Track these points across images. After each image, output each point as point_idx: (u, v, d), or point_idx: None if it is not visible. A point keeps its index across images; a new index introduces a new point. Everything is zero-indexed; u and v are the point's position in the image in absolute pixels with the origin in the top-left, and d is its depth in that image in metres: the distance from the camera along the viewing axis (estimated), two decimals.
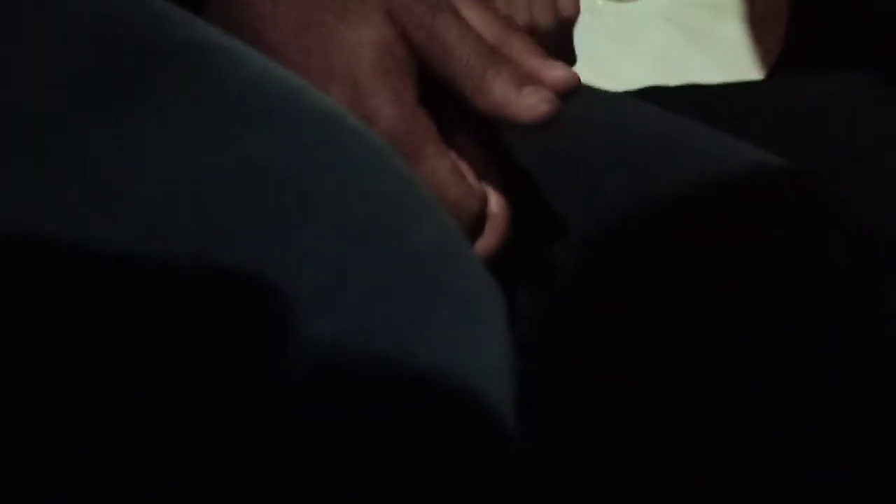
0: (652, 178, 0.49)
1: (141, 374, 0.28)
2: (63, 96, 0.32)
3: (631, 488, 0.44)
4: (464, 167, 0.44)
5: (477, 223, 0.43)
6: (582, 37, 0.67)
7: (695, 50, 0.75)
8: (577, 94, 0.43)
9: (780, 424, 0.43)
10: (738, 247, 0.47)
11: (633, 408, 0.45)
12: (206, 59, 0.34)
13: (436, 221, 0.35)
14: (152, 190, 0.31)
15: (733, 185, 0.49)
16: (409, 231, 0.33)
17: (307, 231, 0.31)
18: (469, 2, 0.44)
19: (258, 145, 0.33)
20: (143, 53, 0.34)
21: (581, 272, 0.48)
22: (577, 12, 0.63)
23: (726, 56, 0.76)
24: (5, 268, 0.29)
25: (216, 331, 0.29)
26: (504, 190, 0.45)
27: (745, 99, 0.68)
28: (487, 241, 0.44)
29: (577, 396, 0.46)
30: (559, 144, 0.51)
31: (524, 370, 0.34)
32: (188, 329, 0.29)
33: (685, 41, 0.76)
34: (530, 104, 0.42)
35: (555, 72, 0.43)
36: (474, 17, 0.44)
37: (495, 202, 0.44)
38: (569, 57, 0.65)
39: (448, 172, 0.42)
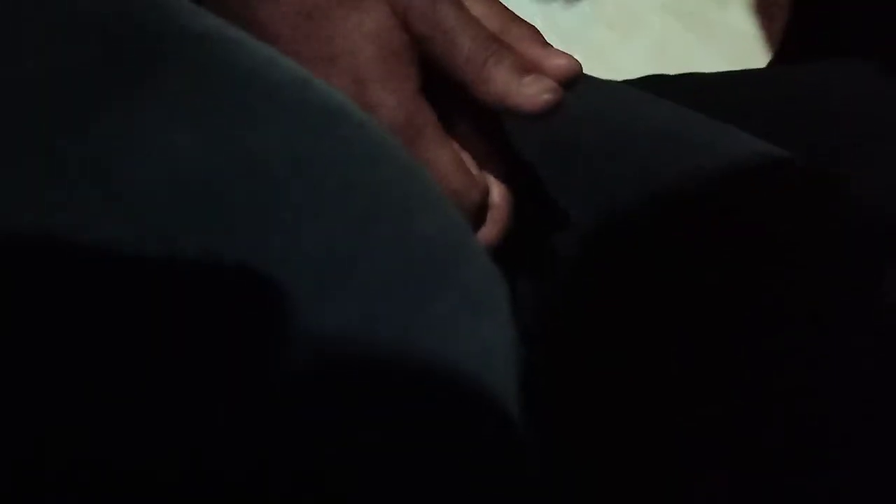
0: (653, 170, 0.49)
1: (144, 368, 0.28)
2: (67, 91, 0.32)
3: (630, 479, 0.44)
4: (465, 157, 0.44)
5: (479, 213, 0.43)
6: (581, 26, 0.67)
7: (694, 38, 0.75)
8: (578, 83, 0.43)
9: (781, 419, 0.43)
10: (739, 240, 0.47)
11: (632, 400, 0.45)
12: (210, 51, 0.34)
13: (439, 211, 0.35)
14: (156, 184, 0.31)
15: (734, 177, 0.49)
16: (413, 221, 0.33)
17: (310, 222, 0.31)
18: None
19: (261, 137, 0.33)
20: (147, 46, 0.34)
21: (582, 263, 0.48)
22: None
23: (727, 44, 0.76)
24: (10, 263, 0.29)
25: (220, 323, 0.29)
26: (505, 180, 0.45)
27: (746, 87, 0.68)
28: (489, 230, 0.44)
29: (578, 387, 0.46)
30: (560, 135, 0.50)
31: (526, 360, 0.34)
32: (192, 322, 0.29)
33: (685, 29, 0.76)
34: (532, 93, 0.42)
35: (556, 60, 0.43)
36: (475, 5, 0.44)
37: (497, 192, 0.44)
38: None
39: (449, 162, 0.42)
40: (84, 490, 0.27)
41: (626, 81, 0.67)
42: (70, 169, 0.30)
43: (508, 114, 0.43)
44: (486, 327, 0.33)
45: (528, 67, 0.42)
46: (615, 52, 0.74)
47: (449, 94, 0.44)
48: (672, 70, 0.70)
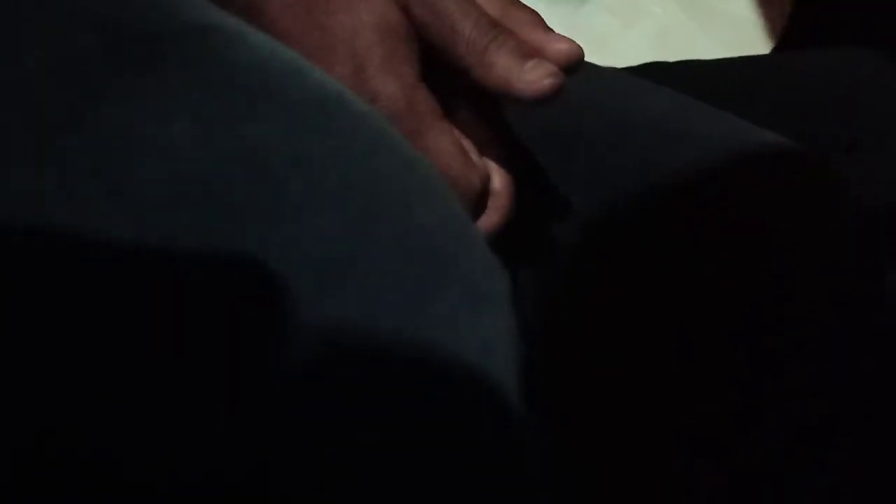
0: (653, 161, 0.49)
1: (143, 366, 0.28)
2: (66, 85, 0.32)
3: (629, 474, 0.44)
4: (466, 144, 0.44)
5: (480, 200, 0.43)
6: (583, 13, 0.67)
7: (697, 26, 0.75)
8: (580, 68, 0.43)
9: (780, 417, 0.43)
10: (739, 235, 0.47)
11: (632, 395, 0.45)
12: (210, 44, 0.34)
13: (440, 201, 0.35)
14: (156, 179, 0.30)
15: (735, 168, 0.49)
16: (413, 214, 0.33)
17: (311, 215, 0.31)
18: None
19: (262, 130, 0.32)
20: (146, 38, 0.34)
21: (582, 252, 0.48)
22: None
23: (729, 32, 0.75)
24: (10, 258, 0.28)
25: (220, 319, 0.29)
26: (507, 167, 0.45)
27: (747, 74, 0.68)
28: (490, 218, 0.44)
29: (577, 381, 0.46)
30: (561, 123, 0.50)
31: (527, 352, 0.34)
32: (192, 319, 0.29)
33: (687, 17, 0.75)
34: (533, 78, 0.41)
35: (558, 45, 0.42)
36: None
37: (498, 179, 0.44)
38: None
39: (450, 149, 0.42)
40: (83, 490, 0.27)
41: (627, 69, 0.67)
42: (70, 164, 0.30)
43: (510, 99, 0.42)
44: (488, 321, 0.33)
45: (529, 52, 0.42)
46: (617, 40, 0.74)
47: (449, 81, 0.43)
48: (674, 57, 0.70)
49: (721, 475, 0.42)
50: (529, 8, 0.45)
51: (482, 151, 0.44)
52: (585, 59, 0.44)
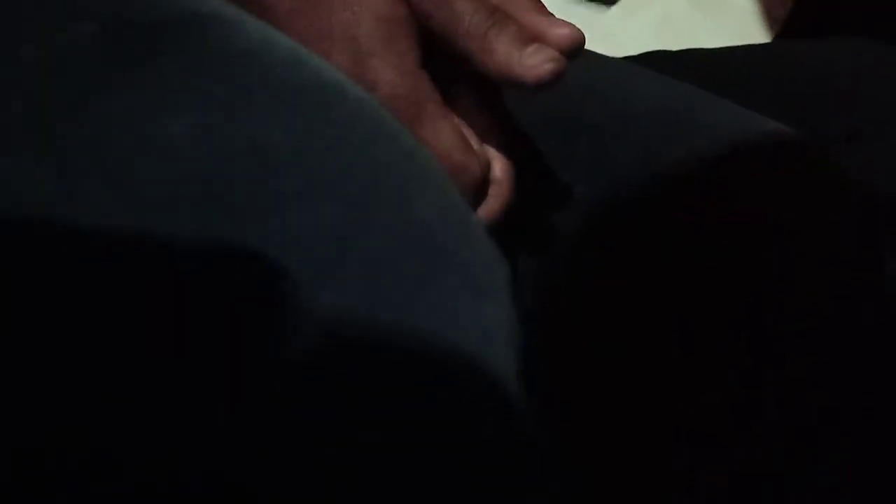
0: (656, 149, 0.49)
1: (142, 359, 0.28)
2: (65, 75, 0.32)
3: (629, 466, 0.44)
4: (467, 132, 0.43)
5: (480, 188, 0.43)
6: (586, 2, 0.66)
7: (699, 15, 0.75)
8: (581, 53, 0.43)
9: (781, 409, 0.43)
10: (740, 224, 0.46)
11: (632, 385, 0.45)
12: (208, 31, 0.34)
13: (439, 190, 0.35)
14: (156, 168, 0.30)
15: (738, 157, 0.48)
16: (412, 203, 0.33)
17: (309, 204, 0.31)
18: None
19: (260, 119, 0.32)
20: (144, 28, 0.33)
21: (583, 241, 0.48)
22: None
23: (732, 21, 0.75)
24: (9, 249, 0.28)
25: (219, 312, 0.29)
26: (507, 154, 0.44)
27: (748, 62, 0.68)
28: (491, 206, 0.43)
29: (577, 370, 0.46)
30: (562, 111, 0.50)
31: (527, 340, 0.34)
32: (191, 312, 0.29)
33: (689, 6, 0.75)
34: (534, 63, 0.41)
35: (559, 30, 0.42)
36: None
37: (499, 167, 0.44)
38: None
39: (451, 137, 0.42)
40: (82, 490, 0.27)
41: (628, 58, 0.66)
42: (69, 156, 0.30)
43: (511, 85, 0.42)
44: (487, 309, 0.33)
45: (530, 38, 0.42)
46: (620, 29, 0.73)
47: (450, 69, 0.43)
48: (675, 46, 0.70)
49: (721, 474, 0.42)
50: None
51: (483, 139, 0.44)
52: (588, 48, 0.44)
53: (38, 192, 0.29)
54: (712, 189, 0.47)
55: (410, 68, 0.42)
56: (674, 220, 0.47)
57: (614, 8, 0.73)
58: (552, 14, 0.43)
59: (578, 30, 0.42)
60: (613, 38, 0.72)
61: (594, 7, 0.73)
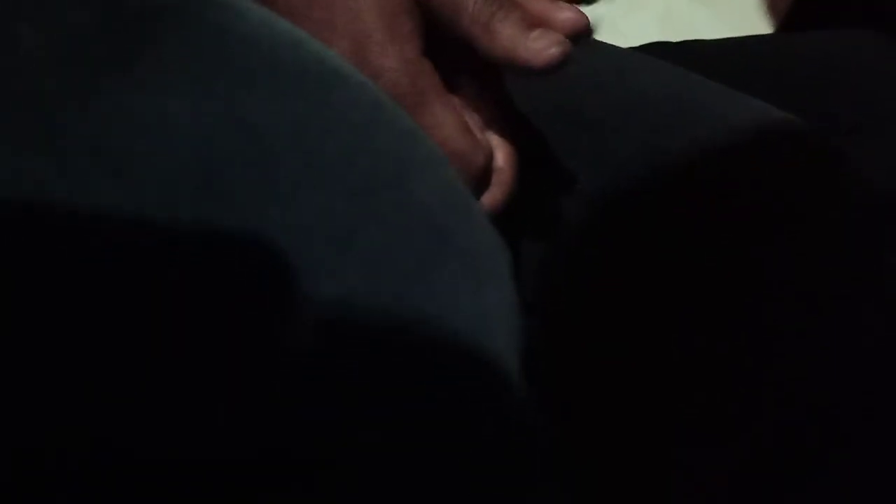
0: (659, 139, 0.49)
1: (142, 351, 0.28)
2: (64, 62, 0.32)
3: (627, 461, 0.44)
4: (470, 120, 0.43)
5: (483, 176, 0.43)
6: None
7: (700, 7, 0.75)
8: (586, 37, 0.43)
9: (781, 407, 0.42)
10: (743, 215, 0.46)
11: (631, 379, 0.45)
12: (208, 16, 0.34)
13: (440, 176, 0.35)
14: (156, 154, 0.30)
15: (742, 149, 0.48)
16: (413, 188, 0.33)
17: (310, 190, 0.31)
18: None
19: (259, 106, 0.32)
20: (143, 13, 0.33)
21: (586, 233, 0.48)
22: None
23: (733, 14, 0.75)
24: (12, 237, 0.28)
25: (220, 297, 0.29)
26: (510, 144, 0.44)
27: (749, 54, 0.67)
28: (493, 194, 0.43)
29: (576, 363, 0.46)
30: (565, 100, 0.50)
31: (528, 328, 0.34)
32: (193, 304, 0.28)
33: (691, 1, 0.75)
34: (539, 47, 0.41)
35: (564, 14, 0.42)
36: None
37: (501, 155, 0.44)
38: None
39: (454, 125, 0.42)
40: (81, 490, 0.27)
41: (630, 48, 0.66)
42: (69, 143, 0.30)
43: (516, 70, 0.42)
44: (488, 295, 0.33)
45: (534, 22, 0.42)
46: (621, 21, 0.73)
47: (453, 57, 0.43)
48: (678, 38, 0.70)
49: (721, 474, 0.42)
50: None
51: (486, 127, 0.44)
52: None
53: (38, 178, 0.29)
54: (715, 181, 0.47)
55: (413, 56, 0.41)
56: (676, 213, 0.47)
57: (617, 2, 0.73)
58: None
59: (583, 14, 0.42)
60: (616, 30, 0.72)
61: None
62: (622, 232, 0.47)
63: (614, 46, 0.58)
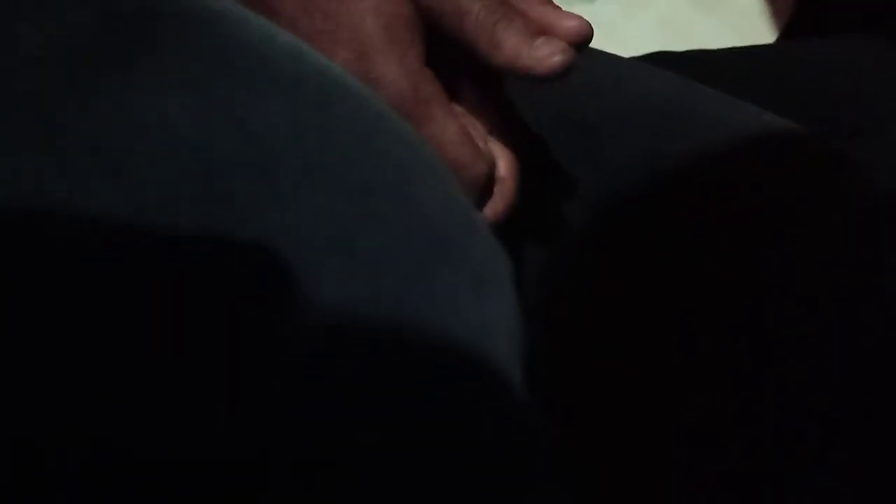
0: (659, 143, 0.49)
1: (142, 355, 0.28)
2: (65, 63, 0.32)
3: (627, 464, 0.44)
4: (472, 130, 0.44)
5: (486, 186, 0.43)
6: (588, 1, 0.66)
7: (702, 14, 0.75)
8: (589, 45, 0.43)
9: (780, 411, 0.42)
10: (743, 219, 0.46)
11: (632, 384, 0.44)
12: (208, 23, 0.34)
13: (442, 184, 0.35)
14: (157, 156, 0.30)
15: (741, 153, 0.48)
16: (414, 195, 0.33)
17: (311, 196, 0.31)
18: None
19: (260, 110, 0.32)
20: (144, 18, 0.33)
21: (587, 239, 0.48)
22: None
23: (734, 21, 0.75)
24: (12, 239, 0.28)
25: (221, 300, 0.29)
26: (512, 152, 0.44)
27: (752, 63, 0.68)
28: (496, 204, 0.43)
29: (578, 367, 0.46)
30: (567, 109, 0.50)
31: (530, 332, 0.34)
32: (192, 306, 0.28)
33: (691, 5, 0.75)
34: (543, 55, 0.41)
35: (567, 22, 0.42)
36: None
37: (504, 165, 0.44)
38: None
39: (456, 135, 0.42)
40: (81, 490, 0.27)
41: (632, 58, 0.66)
42: (70, 142, 0.30)
43: (520, 78, 0.42)
44: (488, 299, 0.32)
45: (538, 30, 0.42)
46: (622, 28, 0.73)
47: (455, 66, 0.43)
48: (679, 46, 0.70)
49: (721, 474, 0.42)
50: None
51: (488, 136, 0.44)
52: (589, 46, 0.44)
53: (38, 180, 0.29)
54: (715, 184, 0.47)
55: (415, 66, 0.42)
56: (676, 217, 0.47)
57: (617, 7, 0.74)
58: (560, 7, 0.43)
59: (587, 22, 0.42)
60: (616, 37, 0.72)
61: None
62: (623, 236, 0.47)
63: (612, 54, 0.58)
